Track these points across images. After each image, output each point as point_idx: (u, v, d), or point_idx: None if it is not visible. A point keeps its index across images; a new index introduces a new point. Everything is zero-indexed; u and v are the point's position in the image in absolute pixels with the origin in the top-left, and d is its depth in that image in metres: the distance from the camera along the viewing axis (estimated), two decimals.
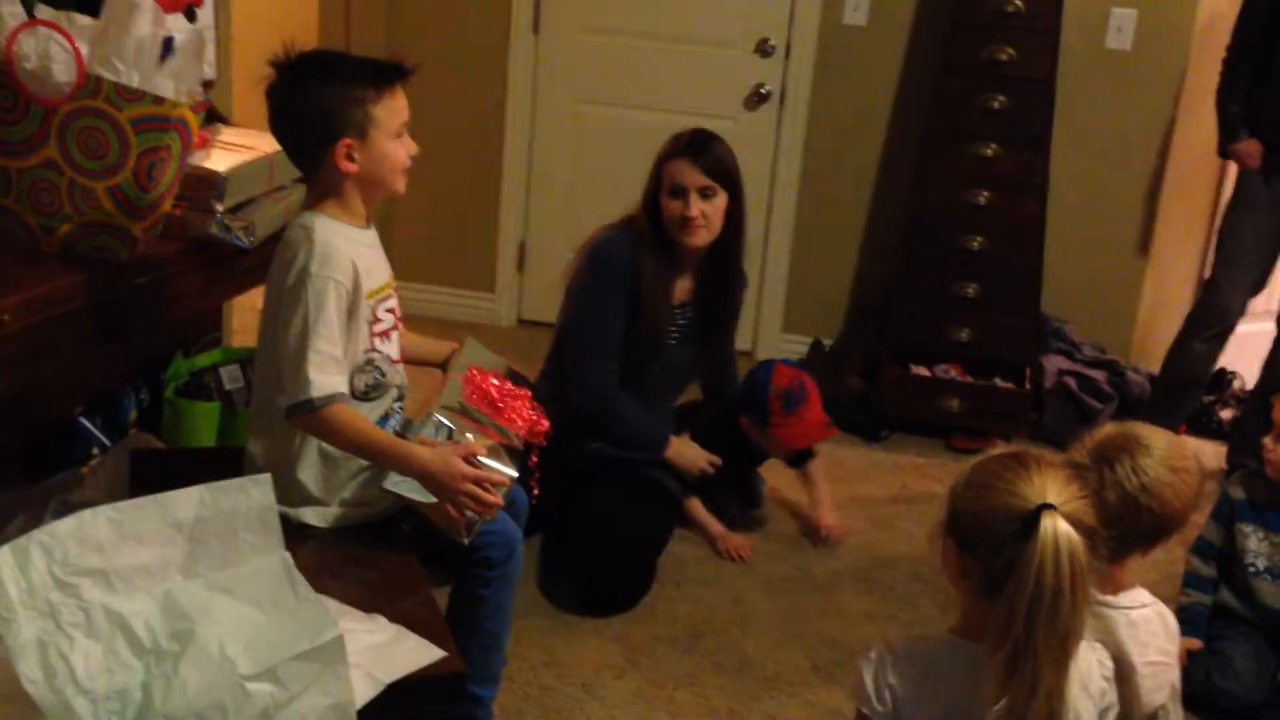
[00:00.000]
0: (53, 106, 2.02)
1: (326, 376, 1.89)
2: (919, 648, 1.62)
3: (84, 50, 2.02)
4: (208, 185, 2.36)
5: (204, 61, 2.16)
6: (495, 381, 2.10)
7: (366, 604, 1.76)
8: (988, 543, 1.48)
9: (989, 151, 3.80)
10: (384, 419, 2.05)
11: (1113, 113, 4.03)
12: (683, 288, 2.91)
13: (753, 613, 2.84)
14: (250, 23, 4.16)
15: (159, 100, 2.05)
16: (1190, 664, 2.53)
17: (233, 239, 2.35)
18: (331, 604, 1.67)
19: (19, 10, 2.05)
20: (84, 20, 2.06)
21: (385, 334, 2.03)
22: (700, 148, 2.79)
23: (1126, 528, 1.73)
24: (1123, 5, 3.95)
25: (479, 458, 1.92)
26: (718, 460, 2.98)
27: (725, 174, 2.80)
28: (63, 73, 2.01)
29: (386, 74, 1.96)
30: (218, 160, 2.45)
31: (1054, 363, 3.97)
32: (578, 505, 2.82)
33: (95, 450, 2.55)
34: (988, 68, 3.76)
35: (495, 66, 4.34)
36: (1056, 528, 1.42)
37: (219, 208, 2.37)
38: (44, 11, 2.05)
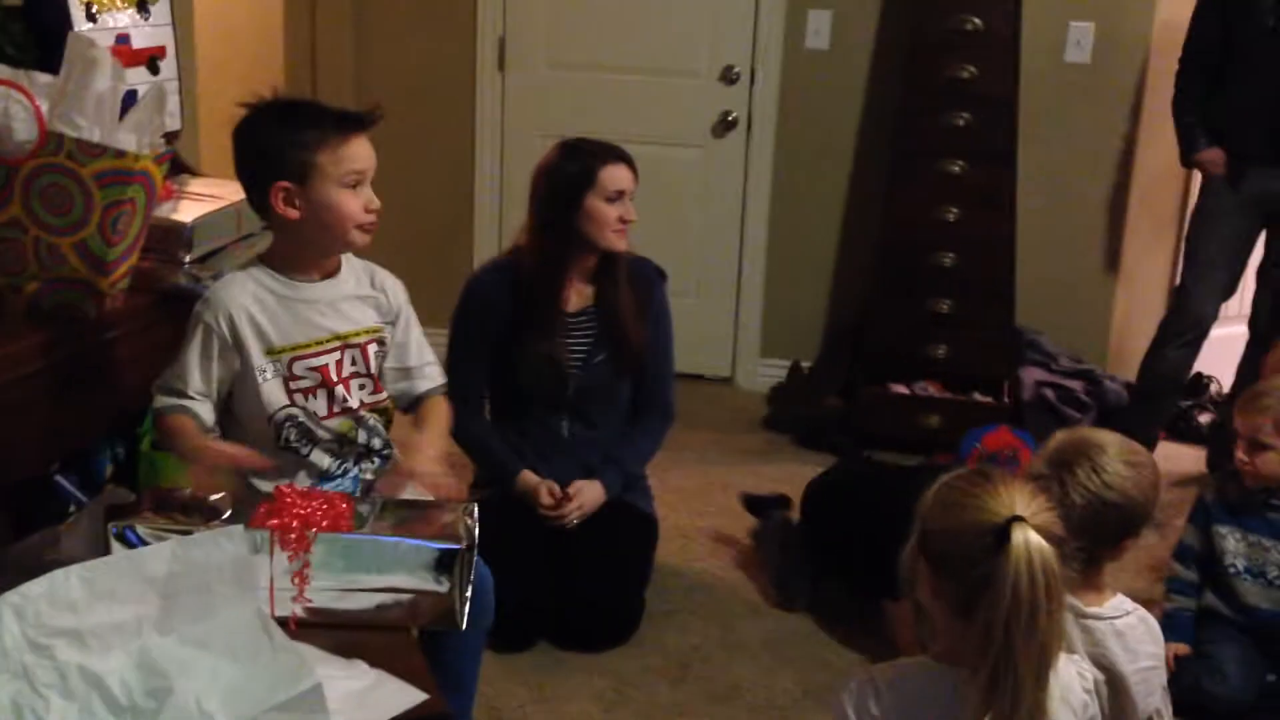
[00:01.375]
0: (15, 165, 2.03)
1: (166, 398, 2.00)
2: (900, 676, 1.60)
3: (44, 108, 2.03)
4: (174, 236, 2.36)
5: (166, 113, 2.16)
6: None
7: (345, 648, 1.74)
8: (960, 560, 1.48)
9: (956, 169, 3.83)
10: (326, 480, 2.05)
11: (1076, 125, 4.07)
12: (577, 297, 2.87)
13: (741, 640, 2.83)
14: (217, 71, 4.17)
15: (121, 154, 2.06)
16: (1179, 669, 2.53)
17: (201, 289, 2.34)
18: (309, 650, 1.64)
19: None
20: (44, 78, 2.07)
21: (309, 392, 2.02)
22: (627, 155, 2.87)
23: (1095, 528, 1.77)
24: (1080, 18, 3.99)
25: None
26: (557, 492, 2.81)
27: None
28: (24, 131, 2.02)
29: (338, 121, 1.95)
30: (184, 211, 2.46)
31: (1031, 374, 3.98)
32: (561, 543, 2.80)
33: (72, 508, 2.53)
34: (950, 86, 3.79)
35: (463, 105, 4.37)
36: (1028, 539, 1.42)
37: (186, 258, 2.37)
38: (3, 71, 2.06)
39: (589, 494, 2.81)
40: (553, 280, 2.82)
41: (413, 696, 1.57)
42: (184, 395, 1.98)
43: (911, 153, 3.90)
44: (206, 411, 2.00)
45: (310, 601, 1.76)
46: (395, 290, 2.13)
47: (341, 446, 2.07)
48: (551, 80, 4.36)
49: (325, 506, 1.79)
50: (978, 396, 3.88)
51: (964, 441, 2.95)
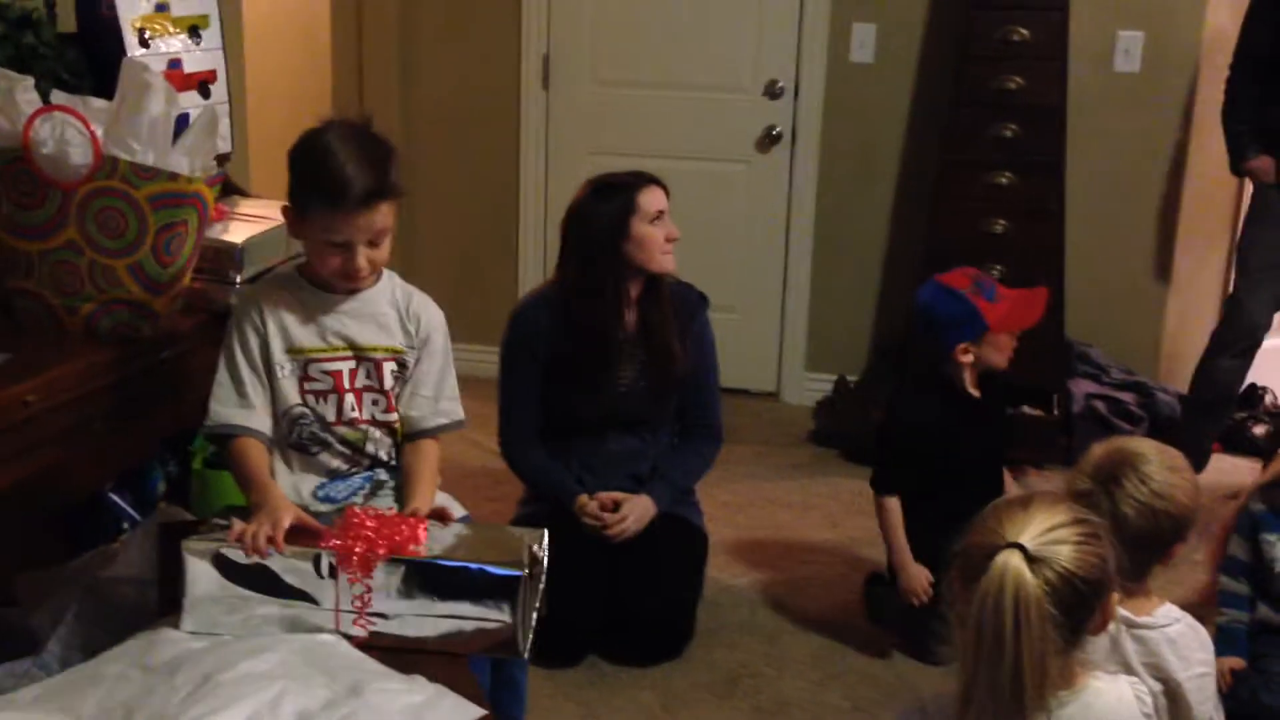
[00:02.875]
0: (71, 189, 2.06)
1: (221, 406, 2.01)
2: (946, 700, 1.58)
3: (99, 132, 2.06)
4: (226, 257, 2.39)
5: (218, 136, 2.19)
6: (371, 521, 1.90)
7: (400, 667, 1.76)
8: (965, 578, 1.47)
9: (1003, 180, 3.80)
10: (337, 478, 2.08)
11: (1125, 134, 4.03)
12: (624, 323, 2.88)
13: (789, 654, 2.81)
14: (265, 94, 4.23)
15: (174, 177, 2.09)
16: (1235, 683, 2.48)
17: None
18: (371, 664, 1.67)
19: (34, 97, 2.10)
20: (98, 103, 2.10)
21: (321, 395, 2.05)
22: (656, 177, 2.86)
23: (1150, 538, 1.78)
24: (1129, 28, 3.96)
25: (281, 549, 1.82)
26: (609, 502, 2.80)
27: None
28: (79, 155, 2.05)
29: (341, 198, 1.91)
30: (235, 232, 2.49)
31: (1082, 387, 3.94)
32: (611, 559, 2.80)
33: (125, 525, 2.57)
34: (997, 97, 3.77)
35: (508, 123, 4.40)
36: (1007, 566, 1.40)
37: (238, 278, 2.40)
38: (59, 97, 2.10)
39: (639, 508, 2.80)
40: (611, 312, 2.82)
41: (470, 713, 1.59)
42: (239, 403, 2.01)
43: (958, 164, 3.87)
44: (260, 422, 2.02)
45: (373, 624, 1.78)
46: (429, 320, 2.12)
47: (353, 453, 2.10)
48: (596, 97, 4.39)
49: (391, 530, 1.81)
50: (1027, 409, 3.84)
51: (946, 306, 2.77)
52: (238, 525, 1.84)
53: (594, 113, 4.39)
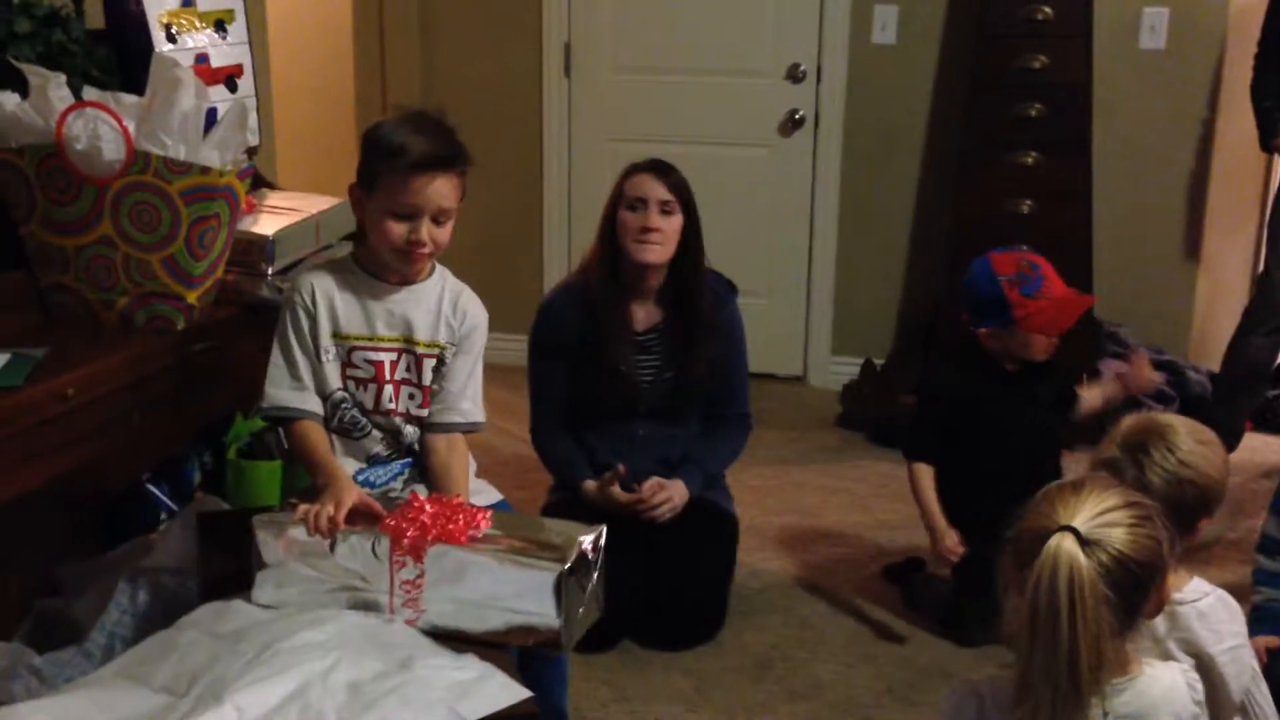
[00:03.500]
0: (104, 184, 2.09)
1: (275, 389, 2.04)
2: (1003, 686, 1.56)
3: (131, 128, 2.08)
4: (257, 249, 2.41)
5: (247, 129, 2.21)
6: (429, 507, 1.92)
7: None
8: (1019, 561, 1.47)
9: (1029, 160, 3.78)
10: (377, 463, 2.10)
11: (1152, 112, 4.00)
12: (645, 316, 2.88)
13: (821, 637, 2.82)
14: (289, 87, 4.25)
15: (206, 170, 2.11)
16: (1272, 661, 2.47)
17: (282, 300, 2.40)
18: (426, 641, 1.71)
19: (66, 93, 2.12)
20: (129, 99, 2.13)
21: (362, 383, 2.07)
22: (663, 166, 2.84)
23: (1174, 509, 1.72)
24: (1154, 4, 3.93)
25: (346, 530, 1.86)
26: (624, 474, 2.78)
27: (685, 195, 2.81)
28: (112, 151, 2.07)
29: (415, 161, 1.95)
30: (265, 224, 2.51)
31: (1112, 367, 3.91)
32: (643, 544, 2.81)
33: (163, 515, 2.60)
34: (1021, 77, 3.75)
35: (530, 112, 4.41)
36: (1060, 548, 1.40)
37: (269, 270, 2.42)
38: (91, 93, 2.12)
39: (675, 491, 2.80)
40: (614, 299, 2.84)
41: (516, 693, 1.61)
42: (293, 386, 2.04)
43: (982, 145, 3.86)
44: (314, 404, 2.05)
45: (424, 612, 1.81)
46: (473, 318, 2.13)
47: (394, 440, 2.12)
48: (617, 85, 4.39)
49: (449, 518, 1.82)
50: None
51: (981, 289, 2.73)
52: (302, 506, 1.88)
53: (616, 100, 4.40)
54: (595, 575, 1.88)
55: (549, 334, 2.91)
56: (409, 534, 1.81)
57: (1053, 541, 1.41)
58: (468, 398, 2.12)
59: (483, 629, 1.80)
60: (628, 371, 2.85)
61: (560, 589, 1.77)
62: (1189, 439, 1.84)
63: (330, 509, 1.85)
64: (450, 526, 1.82)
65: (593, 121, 4.43)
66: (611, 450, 2.87)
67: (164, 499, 2.62)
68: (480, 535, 1.84)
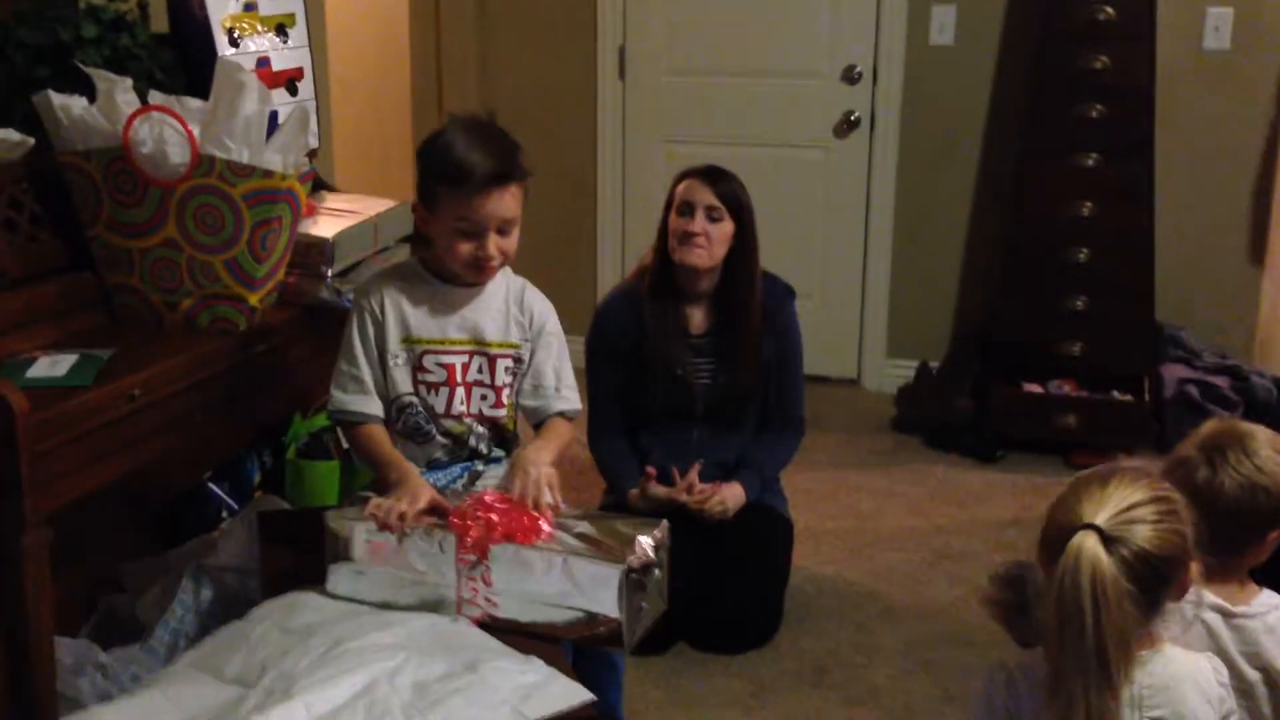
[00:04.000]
0: (169, 187, 2.11)
1: (342, 393, 2.07)
2: (1032, 666, 1.59)
3: (196, 131, 2.11)
4: (317, 251, 2.43)
5: (308, 132, 2.23)
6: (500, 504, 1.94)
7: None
8: (1046, 554, 1.49)
9: (1090, 162, 3.73)
10: (436, 468, 2.10)
11: (1216, 113, 3.93)
12: (699, 319, 2.88)
13: (878, 643, 2.80)
14: (346, 90, 4.29)
15: (268, 174, 2.13)
16: None
17: (343, 302, 2.42)
18: (494, 644, 1.73)
19: (133, 98, 2.15)
20: (194, 103, 2.15)
21: (434, 386, 2.08)
22: (715, 173, 2.83)
23: (1244, 515, 1.75)
24: (1218, 4, 3.86)
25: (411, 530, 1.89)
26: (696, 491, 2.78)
27: (735, 202, 2.80)
28: (177, 154, 2.10)
29: (475, 180, 1.96)
30: (325, 226, 2.53)
31: (1174, 371, 3.86)
32: (699, 547, 2.80)
33: (224, 514, 2.63)
34: (1082, 77, 3.70)
35: (585, 114, 4.42)
36: (1082, 547, 1.42)
37: (329, 272, 2.44)
38: (156, 97, 2.15)
39: (731, 494, 2.80)
40: (667, 303, 2.84)
41: (579, 696, 1.61)
42: (358, 390, 2.05)
43: (1042, 147, 3.81)
44: (378, 408, 2.07)
45: (497, 609, 1.83)
46: (541, 311, 2.16)
47: (454, 445, 2.12)
48: (671, 87, 4.38)
49: (514, 515, 1.85)
50: (1116, 395, 3.77)
51: None
52: (374, 500, 1.91)
53: (670, 102, 4.39)
54: (659, 571, 1.89)
55: (605, 337, 2.92)
56: (475, 531, 1.83)
57: (1075, 540, 1.43)
58: (565, 386, 2.15)
59: (545, 622, 1.82)
60: (682, 375, 2.85)
61: (624, 584, 1.78)
62: (1268, 447, 1.81)
63: (403, 505, 1.88)
64: (516, 523, 1.84)
65: (647, 124, 4.42)
66: (667, 454, 2.87)
67: (225, 498, 2.65)
68: (546, 532, 1.85)
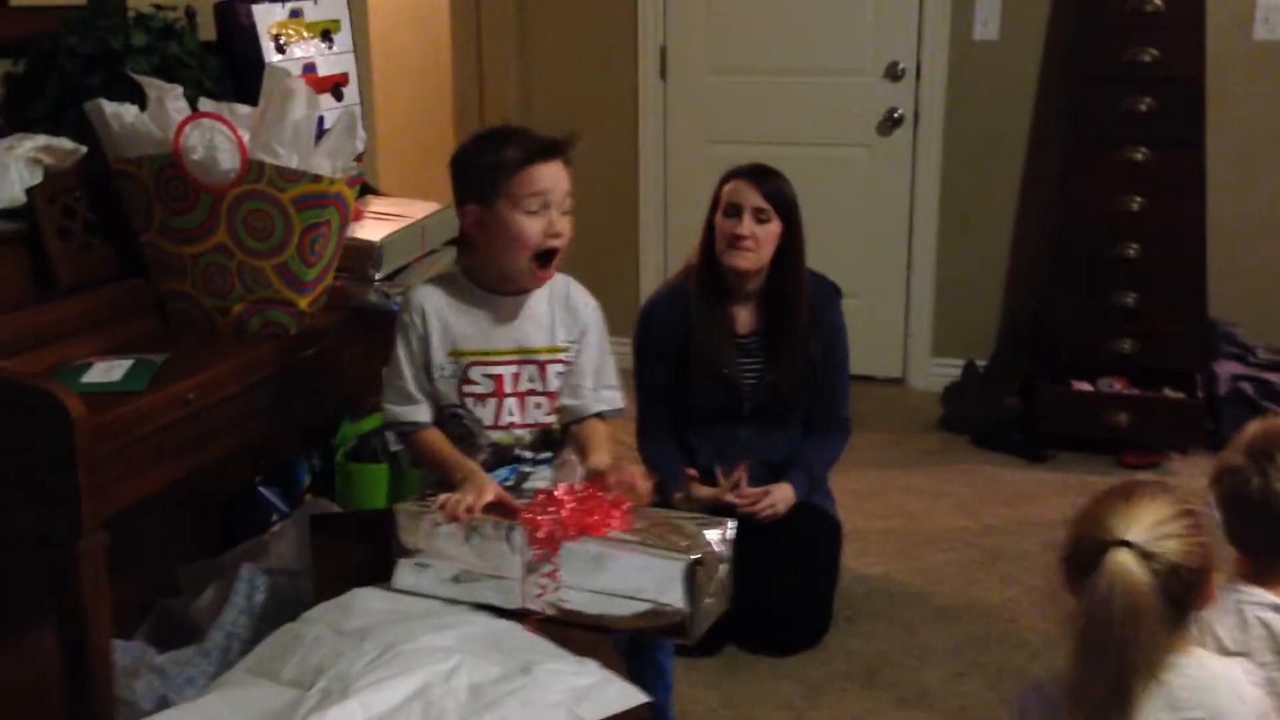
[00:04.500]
0: (220, 193, 2.13)
1: (395, 406, 2.07)
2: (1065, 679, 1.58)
3: (246, 138, 2.12)
4: (365, 255, 2.45)
5: (356, 137, 2.24)
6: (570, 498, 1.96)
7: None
8: (1074, 568, 1.49)
9: (1139, 156, 3.68)
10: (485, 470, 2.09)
11: (1267, 105, 3.87)
12: (746, 319, 2.86)
13: (928, 644, 2.77)
14: (388, 94, 4.31)
15: (317, 179, 2.15)
16: None
17: (391, 305, 2.43)
18: (547, 646, 1.74)
19: (184, 105, 2.17)
20: (243, 109, 2.17)
21: (480, 398, 2.06)
22: (761, 173, 2.80)
23: None
24: None
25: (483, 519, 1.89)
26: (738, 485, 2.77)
27: (783, 202, 2.77)
28: (228, 160, 2.12)
29: (526, 148, 1.97)
30: (372, 230, 2.55)
31: (1227, 368, 3.80)
32: (750, 548, 2.78)
33: (275, 517, 2.65)
34: (1130, 70, 3.65)
35: (626, 114, 4.41)
36: (1116, 563, 1.42)
37: (376, 276, 2.46)
38: (207, 104, 2.17)
39: (781, 495, 2.79)
40: (713, 303, 2.83)
41: (634, 698, 1.61)
42: (407, 400, 2.06)
43: (1089, 141, 3.76)
44: (427, 415, 2.07)
45: (565, 602, 1.85)
46: (586, 309, 2.15)
47: (497, 455, 2.11)
48: (713, 86, 4.37)
49: (585, 510, 1.87)
50: (1168, 392, 3.72)
51: None
52: (442, 495, 1.92)
53: (712, 101, 4.38)
54: (724, 568, 1.90)
55: (651, 336, 2.91)
56: (546, 525, 1.85)
57: (1111, 556, 1.43)
58: (604, 386, 2.14)
59: (615, 615, 1.83)
60: (729, 375, 2.84)
61: (690, 578, 1.79)
62: None
63: (470, 498, 1.89)
64: (587, 520, 1.86)
65: (689, 123, 4.41)
66: (715, 454, 2.86)
67: (275, 501, 2.67)
68: (617, 527, 1.87)
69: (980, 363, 4.17)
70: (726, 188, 2.81)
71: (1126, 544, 1.44)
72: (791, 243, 2.80)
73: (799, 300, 2.82)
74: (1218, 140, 3.76)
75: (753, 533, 2.73)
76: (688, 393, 2.88)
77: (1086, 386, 3.80)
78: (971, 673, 2.66)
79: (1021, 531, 3.27)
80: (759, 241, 2.75)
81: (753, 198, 2.75)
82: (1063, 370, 3.84)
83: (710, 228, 2.83)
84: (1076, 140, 3.80)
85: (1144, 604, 1.42)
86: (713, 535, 1.88)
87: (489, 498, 1.90)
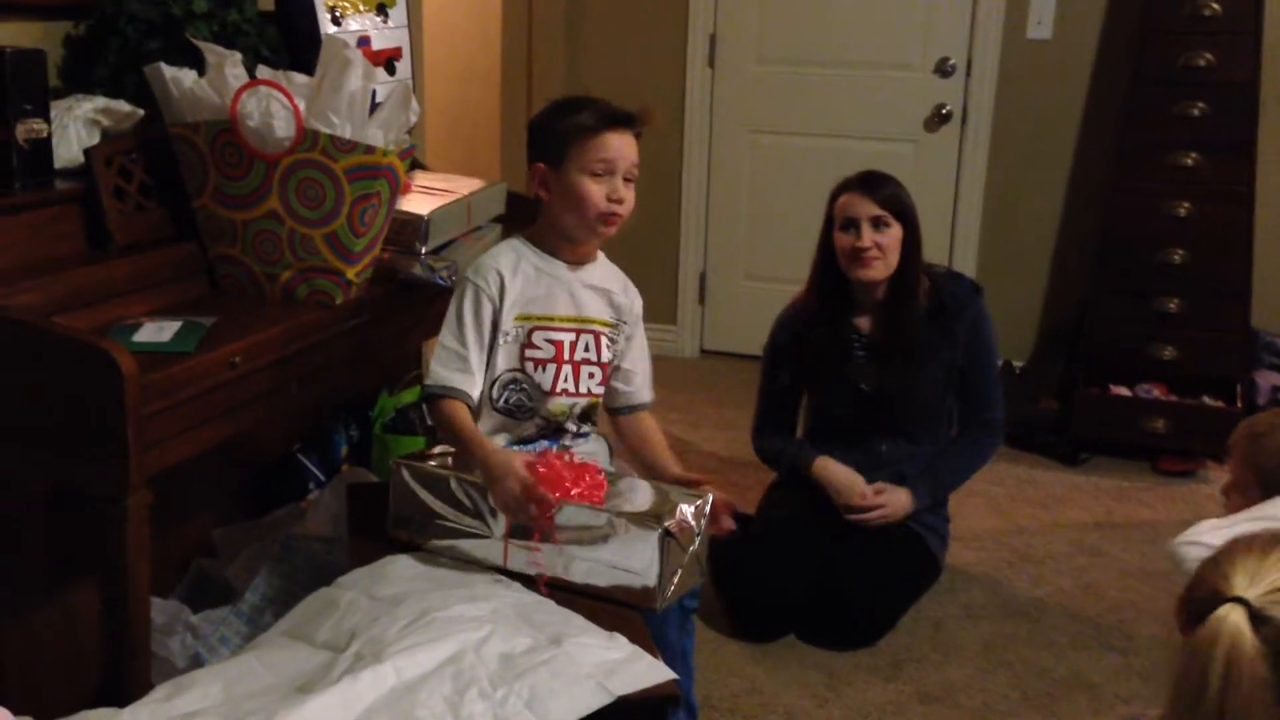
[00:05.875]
0: (274, 160, 2.15)
1: (444, 369, 2.05)
2: None
3: (302, 106, 2.14)
4: (412, 229, 2.46)
5: (409, 110, 2.26)
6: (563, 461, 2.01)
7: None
8: (1189, 614, 1.37)
9: (1189, 161, 3.65)
10: (526, 443, 2.13)
11: None
12: (873, 323, 2.85)
13: (955, 641, 2.77)
14: (437, 71, 4.33)
15: (370, 150, 2.16)
16: None
17: (436, 279, 2.45)
18: (579, 620, 1.76)
19: (242, 71, 2.19)
20: (301, 78, 2.19)
21: (541, 363, 2.09)
22: (872, 181, 2.77)
23: None
24: None
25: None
26: (868, 494, 2.80)
27: (899, 206, 2.75)
28: (283, 128, 2.14)
29: (599, 116, 2.03)
30: (420, 204, 2.56)
31: (1269, 379, 3.77)
32: (830, 546, 2.79)
33: (312, 485, 2.68)
34: (1185, 74, 3.62)
35: (673, 101, 4.42)
36: (1226, 622, 1.30)
37: (423, 250, 2.47)
38: (264, 72, 2.19)
39: (895, 499, 2.79)
40: (834, 317, 2.83)
41: (662, 674, 1.62)
42: (461, 368, 2.05)
43: (1140, 145, 3.73)
44: (475, 390, 2.06)
45: (539, 564, 1.90)
46: (638, 300, 2.23)
47: (548, 423, 2.14)
48: (761, 76, 4.36)
49: (573, 477, 1.91)
50: (1207, 400, 3.69)
51: None
52: (507, 497, 1.89)
53: (759, 92, 4.38)
54: (697, 541, 1.94)
55: (774, 345, 2.96)
56: (542, 469, 1.90)
57: (1222, 612, 1.31)
58: (649, 375, 2.24)
59: (585, 581, 1.89)
60: (857, 383, 2.84)
61: (661, 548, 1.84)
62: None
63: (515, 490, 1.86)
64: (567, 485, 1.90)
65: (735, 113, 4.41)
66: (855, 467, 2.87)
67: (313, 469, 2.70)
68: (593, 493, 1.92)
69: (1017, 363, 4.16)
70: (839, 202, 2.77)
71: (1243, 602, 1.31)
72: (911, 245, 2.77)
73: (913, 307, 2.80)
74: (1270, 147, 3.73)
75: (854, 533, 2.77)
76: (821, 405, 2.91)
77: (1124, 391, 3.78)
78: (997, 670, 2.66)
79: (1052, 533, 3.26)
80: (884, 250, 2.73)
81: (867, 208, 2.73)
82: (1102, 374, 3.82)
83: (825, 243, 2.81)
84: (1126, 143, 3.77)
85: (1248, 671, 1.28)
86: (688, 507, 1.92)
87: (524, 474, 1.88)
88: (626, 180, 2.04)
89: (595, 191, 2.02)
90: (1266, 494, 1.82)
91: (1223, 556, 1.38)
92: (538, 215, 2.14)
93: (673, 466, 2.16)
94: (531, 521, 1.89)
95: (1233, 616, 1.29)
